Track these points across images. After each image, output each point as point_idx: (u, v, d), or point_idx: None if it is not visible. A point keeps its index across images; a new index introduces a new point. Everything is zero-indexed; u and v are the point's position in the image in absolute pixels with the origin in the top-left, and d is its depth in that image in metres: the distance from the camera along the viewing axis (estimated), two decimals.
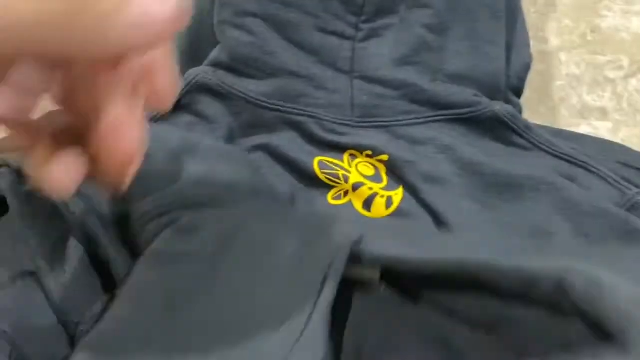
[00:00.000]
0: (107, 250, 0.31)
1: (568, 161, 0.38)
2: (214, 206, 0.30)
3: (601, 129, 0.59)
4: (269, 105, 0.40)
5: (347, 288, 0.27)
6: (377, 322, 0.28)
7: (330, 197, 0.39)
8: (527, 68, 0.45)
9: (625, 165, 0.41)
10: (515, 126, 0.39)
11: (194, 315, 0.24)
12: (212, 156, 0.35)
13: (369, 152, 0.39)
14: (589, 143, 0.44)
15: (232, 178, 0.34)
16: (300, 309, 0.24)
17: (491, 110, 0.39)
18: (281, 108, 0.40)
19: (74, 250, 0.30)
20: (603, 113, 0.59)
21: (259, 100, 0.40)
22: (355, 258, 0.27)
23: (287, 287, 0.25)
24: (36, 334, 0.28)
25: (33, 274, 0.30)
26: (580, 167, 0.38)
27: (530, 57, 0.45)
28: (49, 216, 0.31)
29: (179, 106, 0.41)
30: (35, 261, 0.30)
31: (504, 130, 0.39)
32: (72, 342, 0.28)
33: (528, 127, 0.39)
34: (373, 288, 0.28)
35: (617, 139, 0.58)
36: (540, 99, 0.60)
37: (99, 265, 0.31)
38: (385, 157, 0.39)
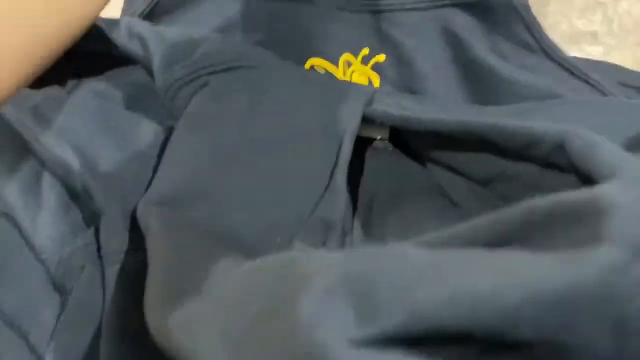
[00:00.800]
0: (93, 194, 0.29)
1: (572, 73, 0.36)
2: (239, 68, 0.32)
3: (593, 54, 0.57)
4: None
5: (362, 147, 0.31)
6: (386, 178, 0.31)
7: None
8: None
9: (625, 85, 0.39)
10: (528, 20, 0.35)
11: (238, 172, 0.27)
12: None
13: (365, 52, 0.36)
14: (587, 64, 0.42)
15: (247, 48, 0.35)
16: (325, 165, 0.28)
17: None
18: None
19: (50, 185, 0.28)
20: (594, 37, 0.58)
21: None
22: (367, 119, 0.30)
23: (312, 146, 0.28)
24: (12, 277, 0.26)
25: (5, 215, 0.28)
26: (584, 81, 0.36)
27: None
28: (17, 150, 0.29)
29: None
30: (6, 199, 0.27)
31: (517, 22, 0.35)
32: (54, 283, 0.26)
33: (539, 24, 0.36)
34: (383, 147, 0.32)
35: None
36: None
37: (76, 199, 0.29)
38: (382, 58, 0.36)
